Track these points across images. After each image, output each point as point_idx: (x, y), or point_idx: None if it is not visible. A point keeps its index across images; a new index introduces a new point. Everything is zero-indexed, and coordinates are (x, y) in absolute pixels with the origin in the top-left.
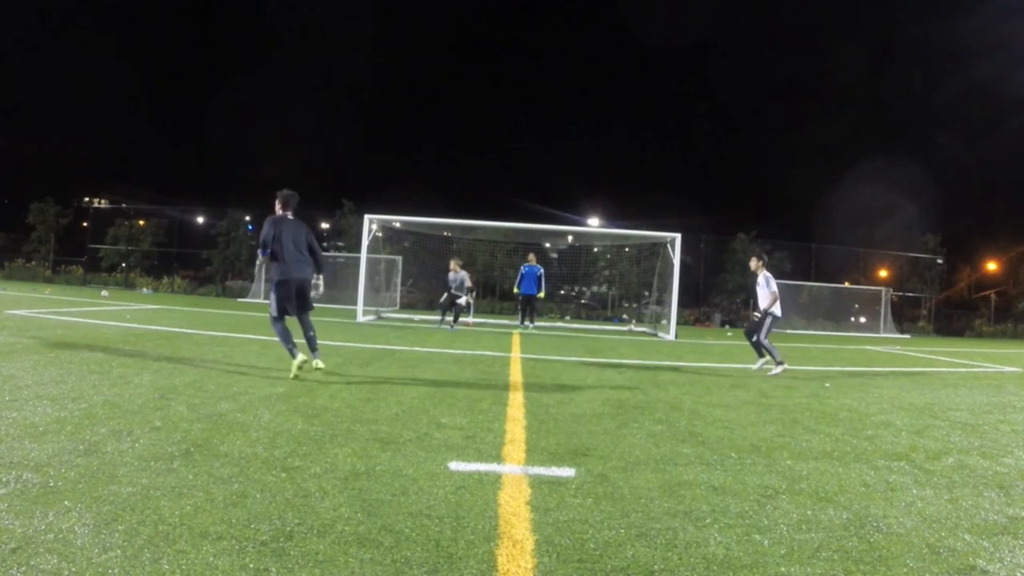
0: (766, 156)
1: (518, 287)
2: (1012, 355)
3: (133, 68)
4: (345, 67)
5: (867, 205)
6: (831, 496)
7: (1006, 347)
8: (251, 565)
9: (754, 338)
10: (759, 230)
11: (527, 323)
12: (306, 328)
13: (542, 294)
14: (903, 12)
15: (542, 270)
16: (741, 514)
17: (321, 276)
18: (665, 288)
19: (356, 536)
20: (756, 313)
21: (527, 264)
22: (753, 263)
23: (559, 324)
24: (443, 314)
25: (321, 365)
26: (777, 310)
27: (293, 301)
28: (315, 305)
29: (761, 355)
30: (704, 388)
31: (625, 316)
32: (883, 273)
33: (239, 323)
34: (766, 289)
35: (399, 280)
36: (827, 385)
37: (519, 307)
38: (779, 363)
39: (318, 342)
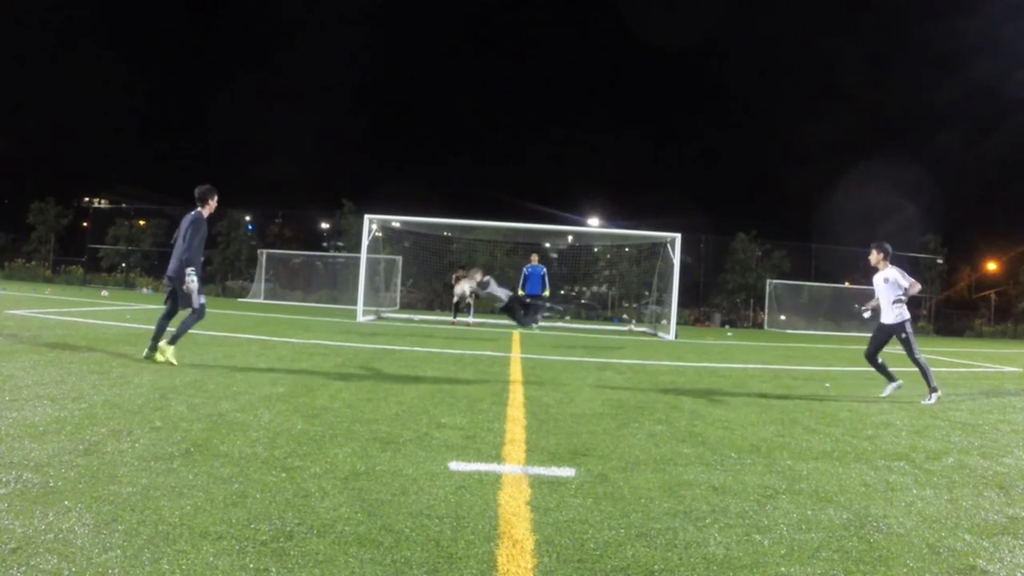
0: (766, 156)
1: (522, 289)
2: (1012, 355)
3: (133, 68)
4: (346, 67)
5: (867, 205)
6: (831, 496)
7: (1006, 347)
8: (251, 565)
9: (879, 360)
10: (759, 230)
11: (531, 323)
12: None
13: (547, 292)
14: (903, 12)
15: (545, 269)
16: (741, 514)
17: (188, 270)
18: (665, 288)
19: (356, 536)
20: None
21: (530, 265)
22: (873, 256)
23: (559, 324)
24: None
25: (160, 350)
26: (904, 310)
27: (171, 295)
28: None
29: (892, 378)
30: (704, 388)
31: (625, 316)
32: None
33: (239, 323)
34: (896, 289)
35: (399, 280)
36: (827, 385)
37: (523, 308)
38: (934, 389)
39: (177, 332)
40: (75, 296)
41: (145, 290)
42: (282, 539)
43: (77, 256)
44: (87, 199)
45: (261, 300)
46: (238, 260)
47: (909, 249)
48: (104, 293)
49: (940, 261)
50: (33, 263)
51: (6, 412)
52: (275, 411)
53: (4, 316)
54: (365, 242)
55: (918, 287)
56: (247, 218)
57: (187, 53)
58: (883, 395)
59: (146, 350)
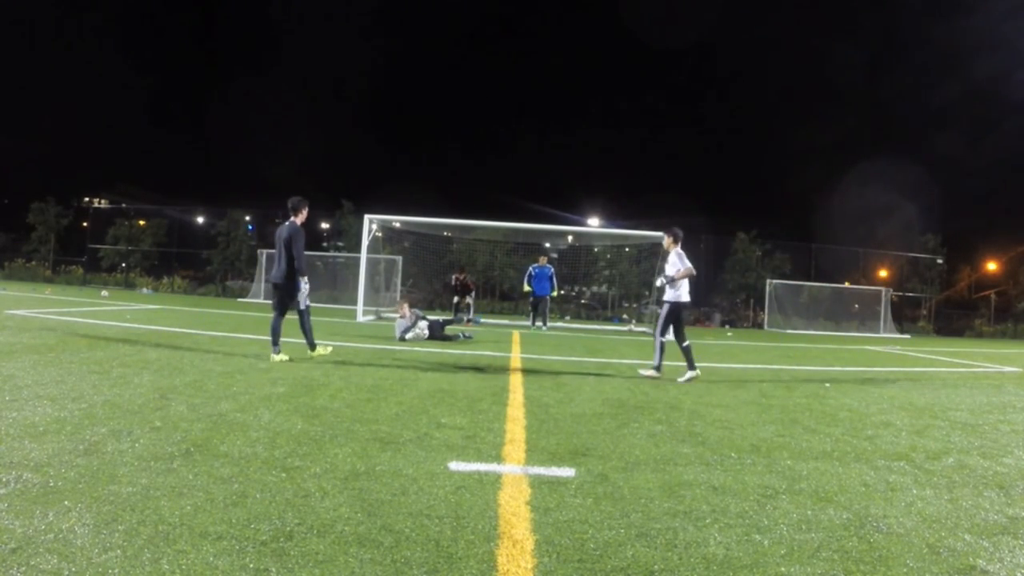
0: (766, 156)
1: (529, 285)
2: (1012, 355)
3: (134, 68)
4: (346, 67)
5: (867, 205)
6: (831, 496)
7: (1006, 347)
8: (251, 565)
9: (684, 343)
10: (759, 230)
11: (539, 324)
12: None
13: (555, 293)
14: (903, 12)
15: (553, 269)
16: (741, 514)
17: (302, 279)
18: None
19: (356, 536)
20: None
21: (537, 265)
22: (665, 241)
23: (559, 324)
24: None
25: (311, 353)
26: (682, 294)
27: (273, 300)
28: (310, 305)
29: (691, 366)
30: (704, 388)
31: (625, 316)
32: (883, 273)
33: (239, 323)
34: (672, 270)
35: (399, 280)
36: (827, 385)
37: (531, 308)
38: (658, 369)
39: (309, 340)
40: (75, 296)
41: (145, 290)
42: (282, 539)
43: (77, 256)
44: (87, 199)
45: (261, 300)
46: (238, 260)
47: (909, 249)
48: (104, 293)
49: (940, 261)
50: (33, 263)
51: (6, 412)
52: (275, 411)
53: (4, 316)
54: (365, 242)
55: (683, 273)
56: (247, 218)
57: (187, 53)
58: (680, 380)
59: (271, 353)
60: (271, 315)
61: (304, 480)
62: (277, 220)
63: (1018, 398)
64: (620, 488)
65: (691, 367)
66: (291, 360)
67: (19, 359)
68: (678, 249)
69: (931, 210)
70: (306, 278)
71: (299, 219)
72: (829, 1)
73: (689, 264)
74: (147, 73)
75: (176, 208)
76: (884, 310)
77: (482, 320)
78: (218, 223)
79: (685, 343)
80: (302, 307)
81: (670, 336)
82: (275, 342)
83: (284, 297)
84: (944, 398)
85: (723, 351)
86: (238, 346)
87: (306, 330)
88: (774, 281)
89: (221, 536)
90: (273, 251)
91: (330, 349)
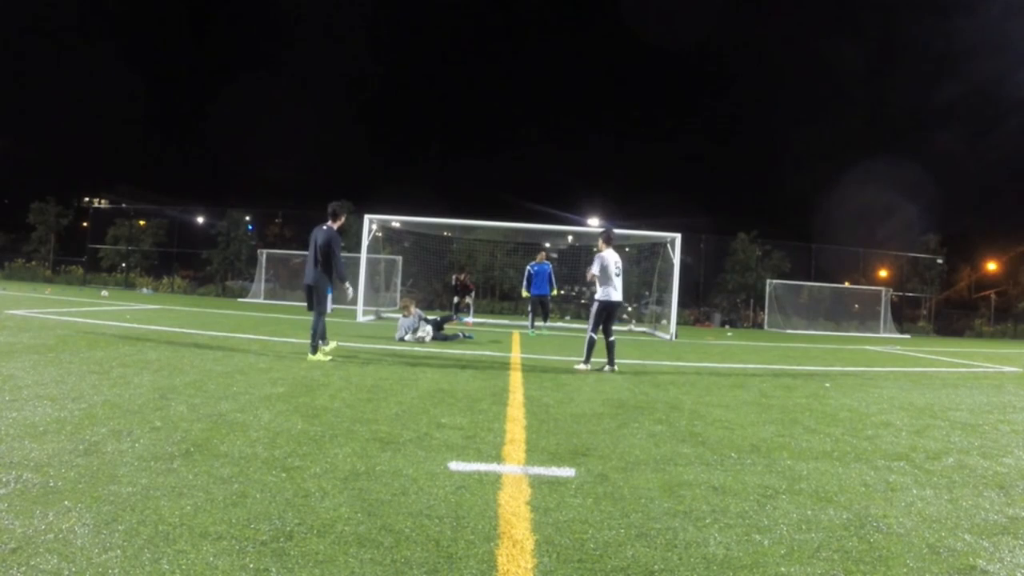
0: (766, 156)
1: (527, 289)
2: (1012, 355)
3: (133, 68)
4: (346, 67)
5: (867, 205)
6: (831, 496)
7: (1006, 347)
8: (251, 565)
9: (611, 337)
10: (759, 230)
11: (539, 324)
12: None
13: (555, 292)
14: (903, 12)
15: (551, 267)
16: (741, 514)
17: (345, 283)
18: (665, 288)
19: (356, 536)
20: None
21: (535, 263)
22: (600, 243)
23: (559, 324)
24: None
25: (311, 357)
26: (609, 293)
27: (308, 302)
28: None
29: (611, 361)
30: (704, 388)
31: (625, 316)
32: (883, 273)
33: (239, 323)
34: (594, 269)
35: (399, 280)
36: (827, 385)
37: (531, 309)
38: (585, 362)
39: (312, 342)
40: (75, 296)
41: (145, 290)
42: (282, 539)
43: (77, 256)
44: (87, 199)
45: (261, 300)
46: (238, 260)
47: (909, 249)
48: (104, 293)
49: (940, 261)
50: (33, 263)
51: (6, 412)
52: (275, 411)
53: (4, 316)
54: (365, 242)
55: (594, 275)
56: (247, 218)
57: (187, 53)
58: (576, 368)
59: (318, 348)
60: (311, 317)
61: (304, 480)
62: (278, 220)
63: (1018, 398)
64: (620, 488)
65: (610, 363)
66: (337, 345)
67: (19, 359)
68: (603, 252)
69: (931, 210)
70: (348, 284)
71: (337, 224)
72: (829, 1)
73: (596, 270)
74: (147, 73)
75: (176, 208)
76: (884, 310)
77: (468, 320)
78: (218, 223)
79: (611, 338)
80: (328, 310)
81: (599, 331)
82: (322, 337)
83: (317, 297)
84: (944, 398)
85: (723, 351)
86: (238, 346)
87: (315, 331)
88: (774, 281)
89: (221, 536)
90: (278, 252)
91: (329, 359)
